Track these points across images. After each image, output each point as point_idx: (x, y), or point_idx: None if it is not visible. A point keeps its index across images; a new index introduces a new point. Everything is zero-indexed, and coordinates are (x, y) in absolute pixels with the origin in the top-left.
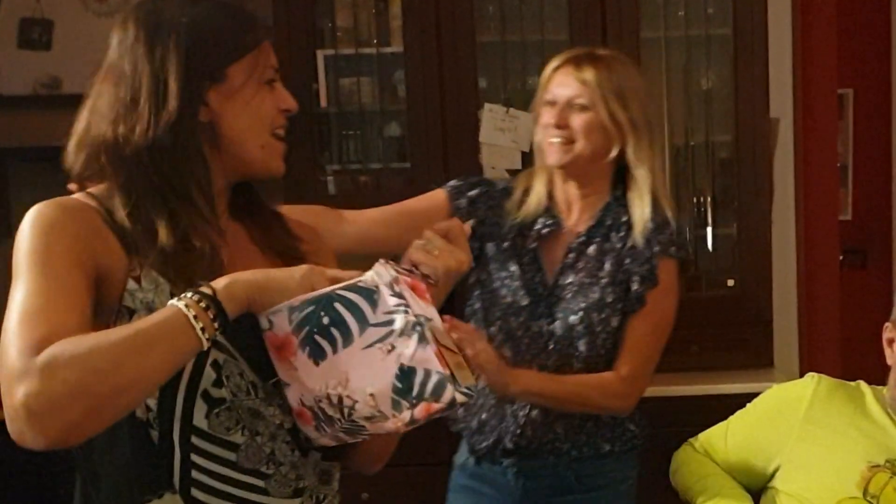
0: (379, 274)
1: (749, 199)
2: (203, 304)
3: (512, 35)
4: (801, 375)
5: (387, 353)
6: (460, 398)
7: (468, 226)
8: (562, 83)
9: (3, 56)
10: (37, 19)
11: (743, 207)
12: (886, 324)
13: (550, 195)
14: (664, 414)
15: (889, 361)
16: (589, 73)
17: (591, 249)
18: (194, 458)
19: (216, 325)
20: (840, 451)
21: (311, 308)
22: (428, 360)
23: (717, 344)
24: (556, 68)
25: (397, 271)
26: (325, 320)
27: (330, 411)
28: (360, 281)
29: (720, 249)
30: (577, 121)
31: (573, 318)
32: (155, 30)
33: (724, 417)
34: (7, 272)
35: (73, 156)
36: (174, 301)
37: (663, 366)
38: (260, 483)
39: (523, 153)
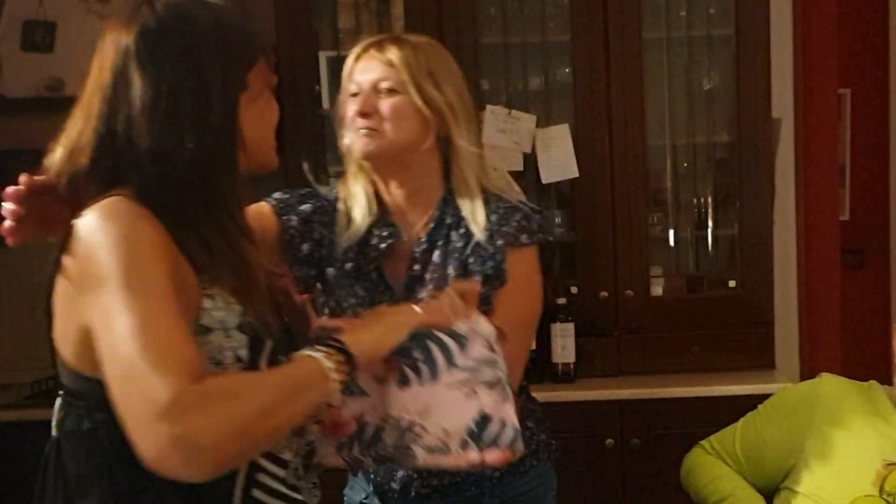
0: (480, 325)
1: (750, 199)
2: (339, 359)
3: (514, 36)
4: (802, 376)
5: (469, 396)
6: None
7: (478, 285)
8: (365, 69)
9: (7, 58)
10: (40, 21)
11: (744, 208)
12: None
13: (380, 201)
14: (665, 415)
15: None
16: (394, 54)
17: (436, 255)
18: (258, 476)
19: (347, 377)
20: (855, 449)
21: (406, 342)
22: (507, 414)
23: (718, 345)
24: (357, 56)
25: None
26: (417, 354)
27: (385, 434)
28: (454, 326)
29: (721, 250)
30: (385, 105)
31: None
32: (182, 36)
33: (725, 418)
34: (11, 273)
35: (66, 158)
36: (312, 353)
37: (665, 367)
38: (300, 498)
39: (525, 155)
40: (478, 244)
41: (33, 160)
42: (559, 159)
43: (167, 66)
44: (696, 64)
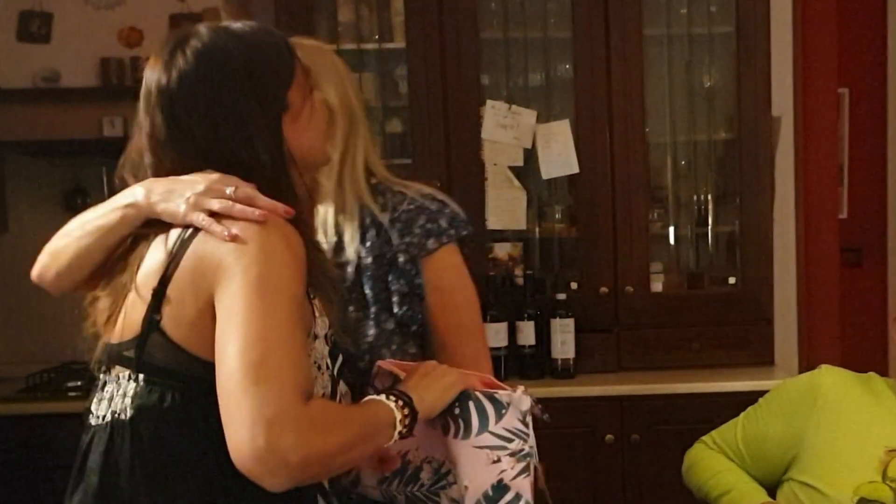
0: (520, 399)
1: (750, 196)
2: (406, 411)
3: (515, 32)
4: (801, 372)
5: (493, 461)
6: None
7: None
8: None
9: (3, 49)
10: (36, 12)
11: (745, 205)
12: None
13: None
14: (666, 411)
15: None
16: None
17: (349, 272)
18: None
19: (406, 430)
20: (857, 437)
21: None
22: (523, 488)
23: (718, 341)
24: None
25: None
26: (456, 410)
27: (424, 474)
28: (496, 393)
29: (721, 247)
30: None
31: (362, 366)
32: (219, 68)
33: (725, 414)
34: (5, 270)
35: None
36: (386, 401)
37: (664, 363)
38: None
39: (525, 150)
40: (390, 262)
41: (29, 150)
42: (559, 155)
43: (210, 110)
44: (697, 61)
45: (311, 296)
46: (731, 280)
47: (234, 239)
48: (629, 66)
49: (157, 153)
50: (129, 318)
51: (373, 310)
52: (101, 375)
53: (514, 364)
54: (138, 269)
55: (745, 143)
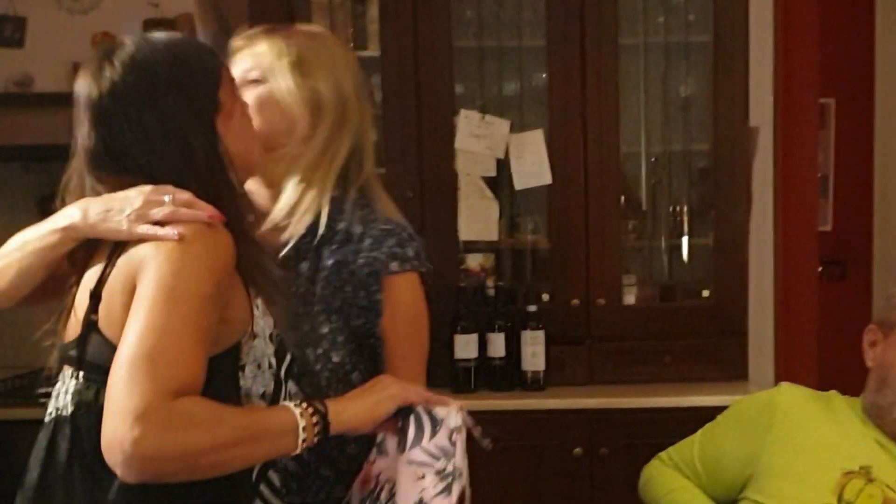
0: (449, 415)
1: (726, 208)
2: (314, 420)
3: (489, 40)
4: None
5: (418, 478)
6: None
7: None
8: (236, 62)
9: None
10: (9, 17)
11: (720, 217)
12: (870, 325)
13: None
14: (636, 425)
15: (869, 364)
16: (262, 45)
17: (304, 266)
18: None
19: (315, 440)
20: (814, 458)
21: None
22: None
23: (690, 355)
24: (235, 51)
25: (464, 422)
26: (399, 423)
27: (384, 494)
28: (435, 409)
29: (696, 259)
30: (251, 97)
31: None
32: (147, 75)
33: (696, 429)
34: None
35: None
36: (291, 406)
37: (636, 376)
38: None
39: (498, 160)
40: (352, 271)
41: (3, 156)
42: (533, 165)
43: (141, 116)
44: (674, 70)
45: (253, 295)
46: (705, 293)
47: (182, 238)
48: (604, 75)
49: (95, 167)
50: (75, 319)
51: (318, 307)
52: (57, 376)
53: (484, 376)
54: (83, 273)
55: (722, 153)
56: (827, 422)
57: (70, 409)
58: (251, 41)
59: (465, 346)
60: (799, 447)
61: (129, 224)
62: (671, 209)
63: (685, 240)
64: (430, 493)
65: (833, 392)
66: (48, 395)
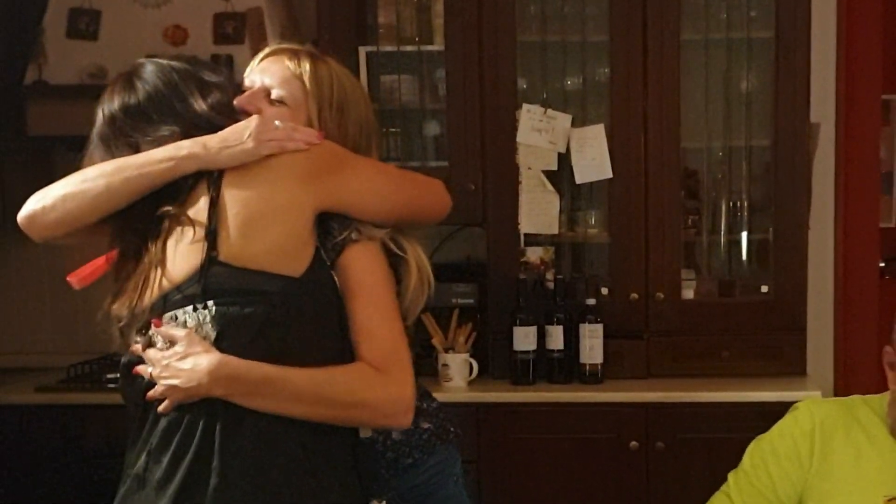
0: None
1: (786, 204)
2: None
3: (553, 35)
4: (836, 385)
5: None
6: None
7: None
8: (266, 70)
9: (52, 45)
10: (85, 9)
11: (780, 213)
12: (886, 347)
13: None
14: (693, 419)
15: (891, 386)
16: (305, 68)
17: None
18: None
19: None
20: (856, 484)
21: None
22: None
23: (749, 350)
24: (267, 55)
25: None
26: None
27: None
28: None
29: (755, 255)
30: (268, 112)
31: None
32: (174, 75)
33: (753, 425)
34: (53, 260)
35: None
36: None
37: (693, 371)
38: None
39: (559, 154)
40: None
41: (75, 146)
42: (594, 159)
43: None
44: (735, 66)
45: None
46: (764, 288)
47: (311, 144)
48: (666, 70)
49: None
50: (174, 267)
51: None
52: (139, 338)
53: (543, 368)
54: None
55: (782, 149)
56: (862, 443)
57: (213, 335)
58: (291, 58)
59: (525, 339)
60: (839, 474)
61: (256, 143)
62: (731, 204)
63: (745, 235)
64: None
65: (855, 398)
66: (116, 381)
